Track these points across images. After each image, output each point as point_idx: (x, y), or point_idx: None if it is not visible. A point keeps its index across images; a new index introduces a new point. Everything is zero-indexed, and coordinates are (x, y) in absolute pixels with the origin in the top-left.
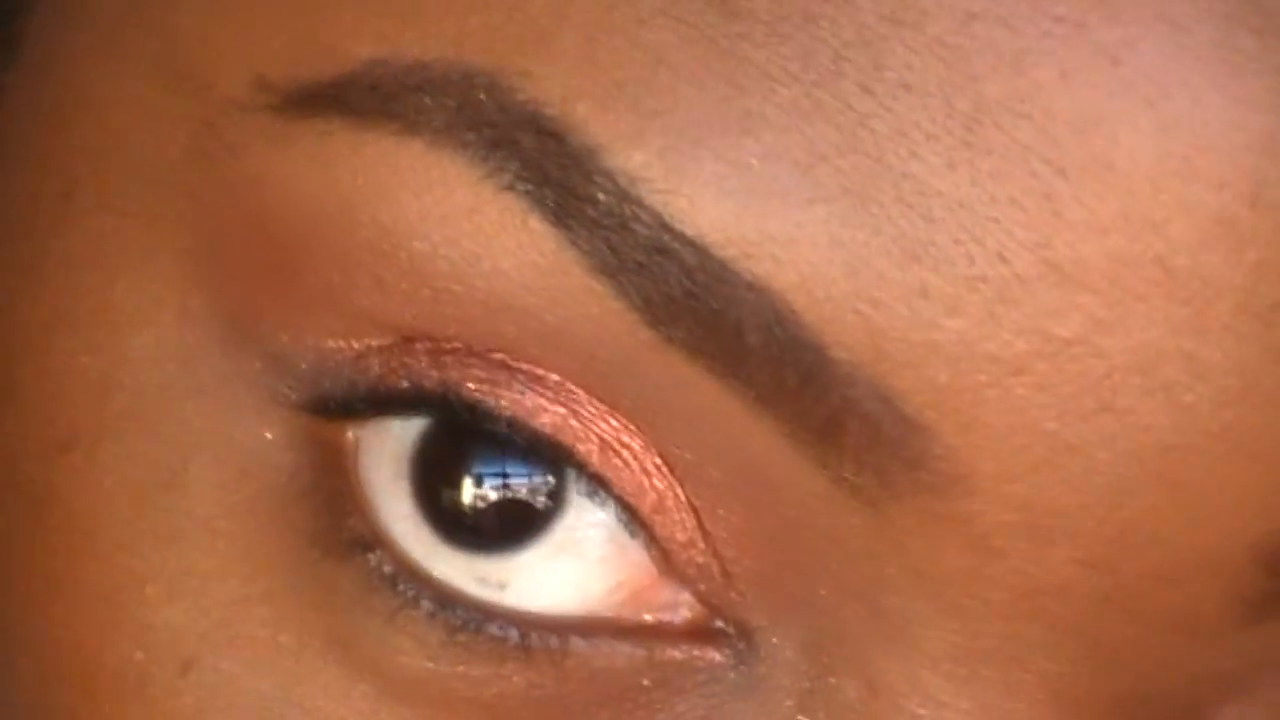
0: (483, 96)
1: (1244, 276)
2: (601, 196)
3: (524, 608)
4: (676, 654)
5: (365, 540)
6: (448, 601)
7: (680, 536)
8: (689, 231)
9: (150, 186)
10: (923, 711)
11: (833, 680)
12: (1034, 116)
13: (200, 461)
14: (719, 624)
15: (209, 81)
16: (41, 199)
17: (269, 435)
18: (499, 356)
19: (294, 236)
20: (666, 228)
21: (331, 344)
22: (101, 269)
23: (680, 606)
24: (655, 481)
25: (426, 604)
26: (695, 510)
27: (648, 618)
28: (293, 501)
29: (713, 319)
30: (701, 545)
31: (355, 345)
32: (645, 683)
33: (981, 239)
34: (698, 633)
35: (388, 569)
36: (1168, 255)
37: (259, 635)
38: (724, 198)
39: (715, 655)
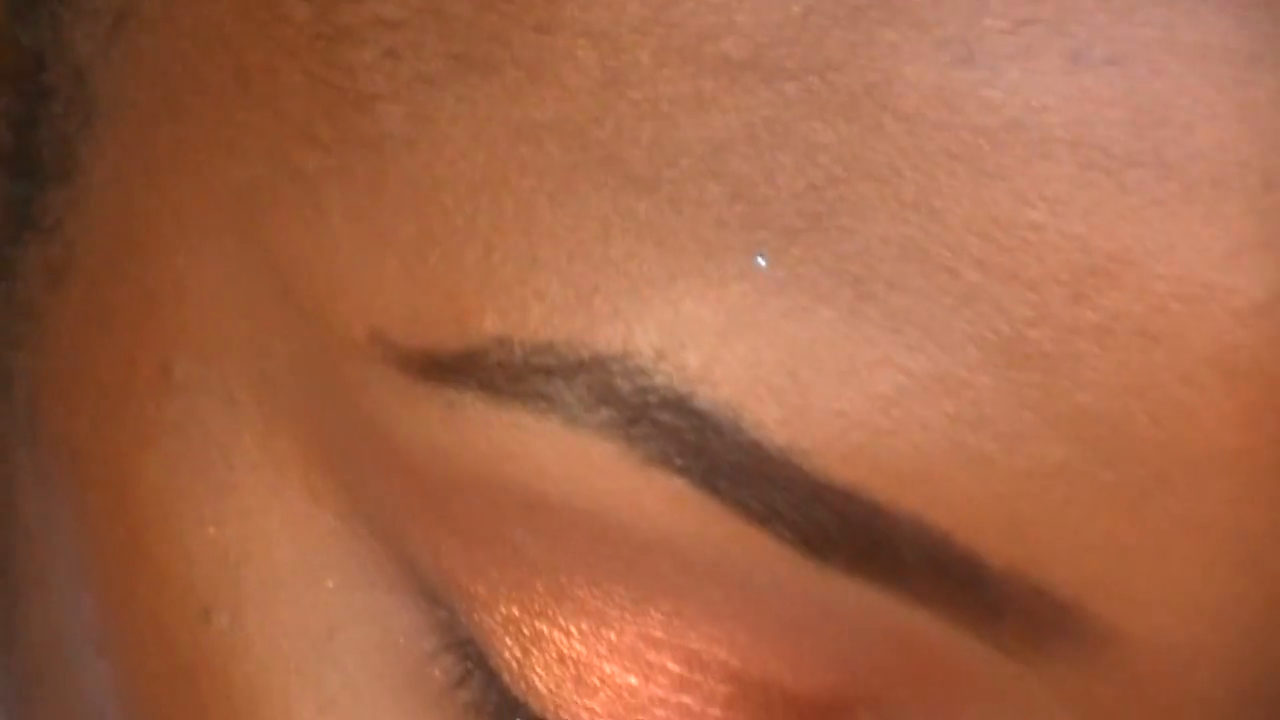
0: (618, 381)
1: None
2: (748, 461)
3: None
4: None
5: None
6: None
7: None
8: (840, 483)
9: (256, 380)
10: None
11: None
12: (1160, 338)
13: (345, 633)
14: None
15: (318, 312)
16: (138, 366)
17: (405, 615)
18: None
19: (431, 474)
20: (820, 484)
21: (473, 570)
22: (214, 445)
23: None
24: None
25: None
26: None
27: None
28: (431, 660)
29: (870, 546)
30: None
31: (498, 578)
32: None
33: (1118, 449)
34: None
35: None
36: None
37: None
38: (872, 449)
39: None
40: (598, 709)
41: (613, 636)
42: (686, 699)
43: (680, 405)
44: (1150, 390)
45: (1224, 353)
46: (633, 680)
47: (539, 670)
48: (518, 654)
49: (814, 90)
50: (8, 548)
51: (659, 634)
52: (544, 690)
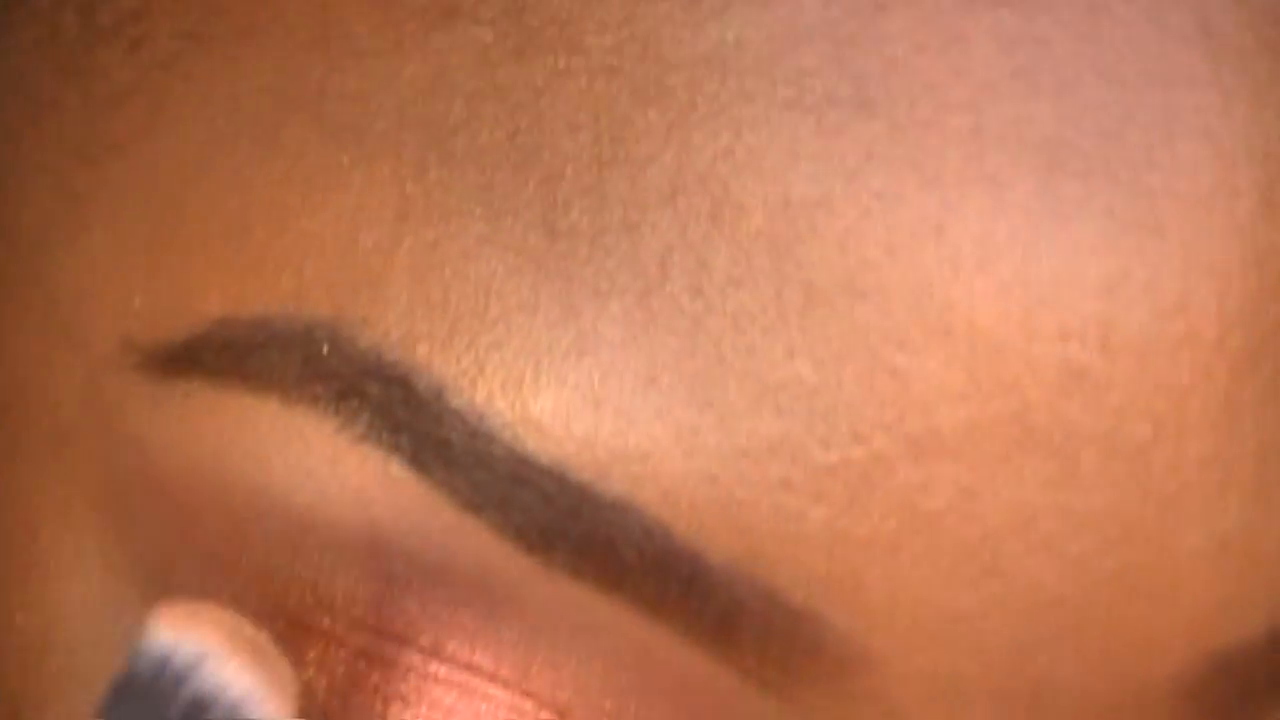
0: (325, 348)
1: (1107, 422)
2: (454, 437)
3: None
4: None
5: None
6: None
7: None
8: (544, 460)
9: (54, 440)
10: None
11: None
12: (867, 294)
13: None
14: None
15: (86, 338)
16: None
17: None
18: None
19: (183, 496)
20: (521, 460)
21: (236, 605)
22: (24, 521)
23: None
24: None
25: None
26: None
27: None
28: None
29: (584, 541)
30: None
31: (256, 606)
32: None
33: (834, 424)
34: None
35: None
36: (1024, 413)
37: None
38: (573, 421)
39: None
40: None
41: (358, 641)
42: (405, 688)
43: (384, 373)
44: (860, 355)
45: (936, 310)
46: (375, 678)
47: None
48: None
49: (506, 33)
50: None
51: (399, 630)
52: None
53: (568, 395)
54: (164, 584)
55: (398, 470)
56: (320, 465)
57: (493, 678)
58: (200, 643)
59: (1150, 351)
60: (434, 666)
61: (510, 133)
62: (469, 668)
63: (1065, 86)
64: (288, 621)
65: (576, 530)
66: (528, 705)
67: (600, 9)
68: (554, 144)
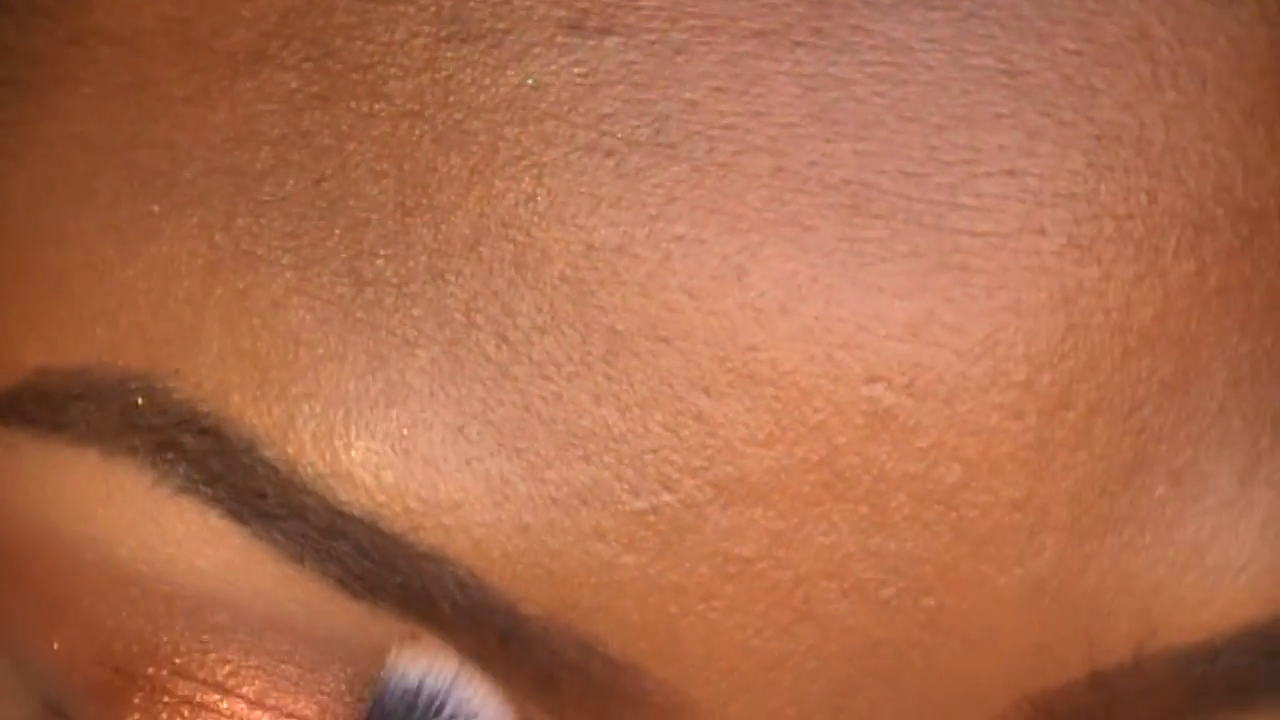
0: (140, 400)
1: (917, 464)
2: (268, 489)
3: None
4: None
5: None
6: None
7: None
8: (356, 512)
9: None
10: None
11: None
12: (670, 339)
13: None
14: None
15: None
16: None
17: None
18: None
19: (11, 544)
20: (334, 511)
21: (65, 656)
22: None
23: None
24: None
25: None
26: None
27: None
28: None
29: (401, 591)
30: None
31: (84, 656)
32: None
33: (642, 470)
34: None
35: None
36: (833, 457)
37: None
38: (383, 472)
39: None
40: None
41: (183, 690)
42: None
43: (199, 425)
44: (665, 401)
45: (740, 354)
46: None
47: None
48: None
49: (311, 79)
50: None
51: (222, 680)
52: None
53: (377, 446)
54: (1, 629)
55: (217, 523)
56: (141, 518)
57: None
58: (447, 671)
59: (958, 393)
60: (258, 715)
61: (316, 179)
62: (292, 717)
63: (867, 127)
64: (114, 670)
65: (393, 582)
66: None
67: (402, 54)
68: (359, 191)
